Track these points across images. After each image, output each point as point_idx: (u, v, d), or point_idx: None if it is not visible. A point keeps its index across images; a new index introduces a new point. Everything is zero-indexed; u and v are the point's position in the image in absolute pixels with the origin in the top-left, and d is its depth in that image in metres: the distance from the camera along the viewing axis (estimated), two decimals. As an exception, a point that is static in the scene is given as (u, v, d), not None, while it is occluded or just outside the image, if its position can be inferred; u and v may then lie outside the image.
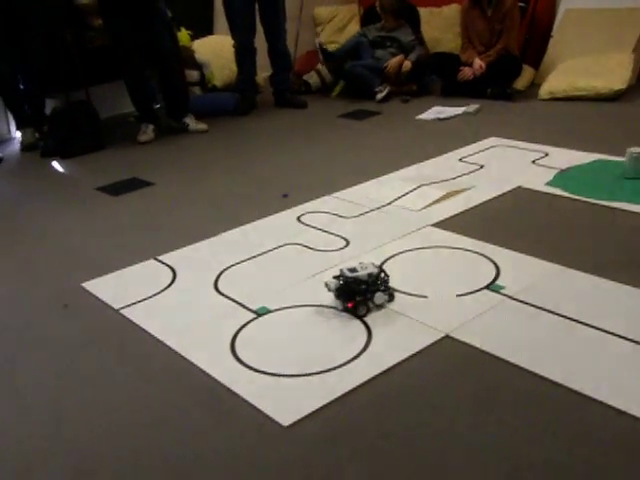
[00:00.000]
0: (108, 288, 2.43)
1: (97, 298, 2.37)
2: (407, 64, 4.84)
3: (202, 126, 4.45)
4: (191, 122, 4.45)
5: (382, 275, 2.13)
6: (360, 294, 2.09)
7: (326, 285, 2.14)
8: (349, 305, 2.09)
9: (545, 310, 2.04)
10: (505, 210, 2.85)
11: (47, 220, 3.18)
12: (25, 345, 2.13)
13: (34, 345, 2.13)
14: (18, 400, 1.86)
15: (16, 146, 4.47)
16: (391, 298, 2.15)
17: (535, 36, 5.02)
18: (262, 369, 1.87)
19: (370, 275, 2.09)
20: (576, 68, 4.52)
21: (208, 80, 5.19)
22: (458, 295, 2.17)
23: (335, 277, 2.13)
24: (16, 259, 2.79)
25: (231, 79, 5.10)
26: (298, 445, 1.58)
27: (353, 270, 2.10)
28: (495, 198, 2.96)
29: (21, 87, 4.33)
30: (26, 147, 4.36)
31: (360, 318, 2.07)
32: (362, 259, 2.46)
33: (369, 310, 2.10)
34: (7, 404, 1.85)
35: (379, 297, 2.10)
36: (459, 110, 4.35)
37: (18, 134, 4.51)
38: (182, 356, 1.96)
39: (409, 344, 1.93)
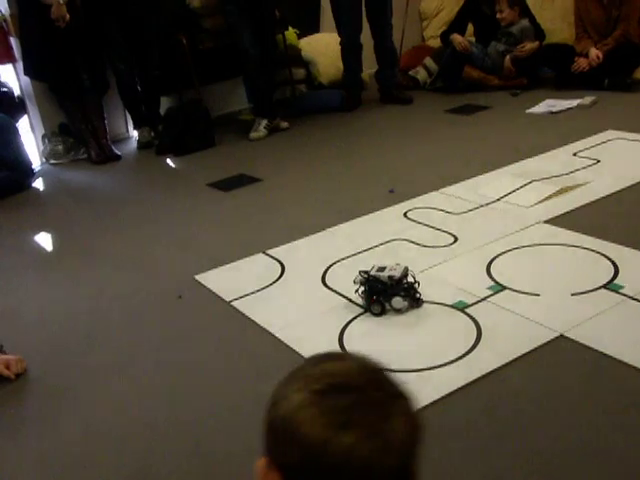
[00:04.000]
0: (220, 280, 2.50)
1: (209, 290, 2.45)
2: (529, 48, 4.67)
3: (284, 124, 4.52)
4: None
5: (405, 280, 2.10)
6: (377, 293, 2.09)
7: (355, 278, 2.15)
8: (370, 302, 2.11)
9: (669, 312, 1.93)
10: (624, 206, 2.71)
11: (162, 214, 3.32)
12: (143, 334, 2.24)
13: (151, 333, 2.23)
14: (139, 385, 1.96)
15: (133, 144, 4.69)
16: (416, 304, 2.11)
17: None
18: (370, 364, 1.87)
19: (391, 278, 2.07)
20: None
21: (314, 77, 5.24)
22: (573, 294, 2.09)
23: (361, 272, 2.13)
24: (133, 251, 2.93)
25: (337, 76, 5.12)
26: (407, 441, 1.57)
27: (382, 269, 2.10)
28: (613, 194, 2.82)
29: (138, 88, 4.54)
30: (142, 145, 4.57)
31: (376, 315, 2.10)
32: (471, 256, 2.43)
33: (384, 311, 2.10)
34: (129, 388, 1.95)
35: (397, 302, 2.08)
36: (573, 103, 4.17)
37: (135, 133, 4.73)
38: (292, 349, 2.00)
39: (521, 343, 1.87)
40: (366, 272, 2.12)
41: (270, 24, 4.46)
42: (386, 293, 2.09)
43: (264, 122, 4.43)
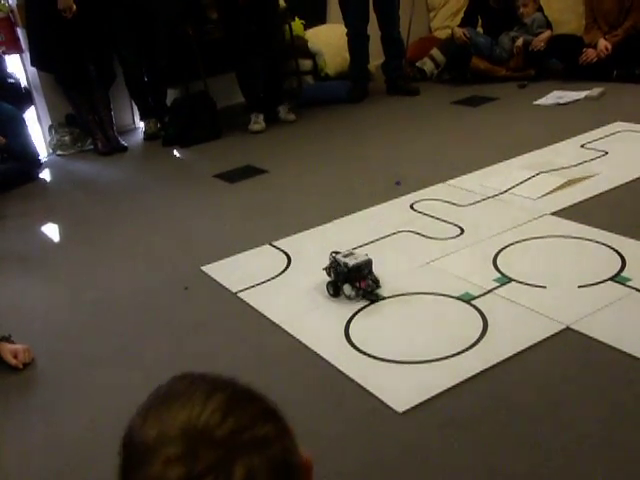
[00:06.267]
0: (226, 272, 2.51)
1: (215, 281, 2.45)
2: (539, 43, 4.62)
3: (291, 116, 4.51)
4: (282, 111, 4.51)
5: (366, 271, 2.14)
6: (338, 276, 2.17)
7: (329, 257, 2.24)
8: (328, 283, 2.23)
9: (677, 304, 1.92)
10: (632, 198, 2.70)
11: (168, 205, 3.33)
12: (149, 325, 2.24)
13: (158, 325, 2.24)
14: (145, 374, 1.96)
15: (140, 136, 4.69)
16: (367, 296, 2.14)
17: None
18: (376, 355, 1.87)
19: (346, 265, 2.12)
20: None
21: (321, 69, 5.22)
22: (580, 286, 2.08)
23: (332, 253, 2.21)
24: (140, 241, 2.93)
25: (343, 67, 5.11)
26: (413, 432, 1.58)
27: (347, 255, 2.17)
28: (621, 186, 2.80)
29: (145, 79, 4.54)
30: (149, 136, 4.57)
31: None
32: (478, 247, 2.42)
33: (337, 294, 2.18)
34: (135, 377, 1.95)
35: (346, 288, 2.15)
36: (581, 94, 4.15)
37: (141, 124, 4.73)
38: (298, 339, 2.00)
39: (527, 335, 1.87)
40: (337, 253, 2.19)
41: (272, 16, 4.39)
42: (344, 277, 2.14)
43: (261, 115, 4.43)
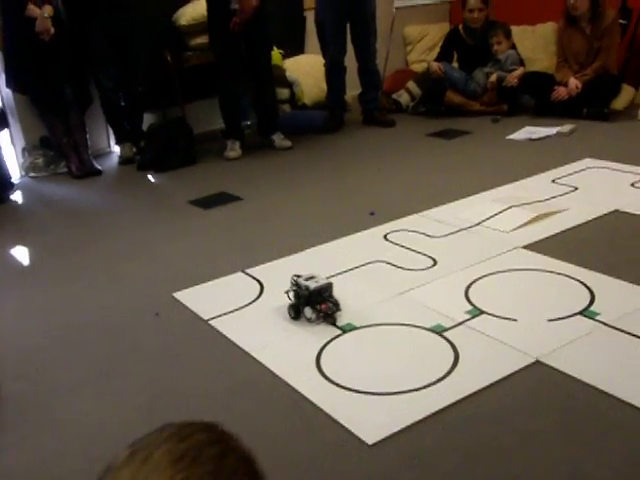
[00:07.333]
0: (198, 299, 2.49)
1: (187, 308, 2.43)
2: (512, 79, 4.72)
3: (287, 143, 4.53)
4: (277, 139, 4.54)
5: (327, 294, 2.18)
6: (299, 299, 2.20)
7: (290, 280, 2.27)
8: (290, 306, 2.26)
9: (643, 339, 1.95)
10: (601, 234, 2.75)
11: (141, 230, 3.30)
12: (119, 351, 2.21)
13: (128, 351, 2.20)
14: (114, 402, 1.93)
15: (115, 159, 4.67)
16: (328, 320, 2.18)
17: (636, 54, 4.83)
18: (347, 385, 1.86)
19: (307, 288, 2.17)
20: (680, 88, 4.32)
21: (298, 98, 5.27)
22: (549, 320, 2.10)
23: (294, 276, 2.24)
24: (111, 267, 2.90)
25: (320, 97, 5.16)
26: (382, 464, 1.57)
27: (309, 278, 2.21)
28: (590, 221, 2.86)
29: (122, 104, 4.53)
30: (124, 161, 4.55)
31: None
32: (450, 279, 2.44)
33: (298, 316, 2.21)
34: (104, 405, 1.92)
35: (307, 311, 2.19)
36: (552, 130, 4.24)
37: (117, 148, 4.71)
38: (268, 369, 1.99)
39: (497, 368, 1.88)
40: (298, 276, 2.22)
41: (261, 39, 4.39)
42: (305, 300, 2.17)
43: (237, 142, 4.45)
